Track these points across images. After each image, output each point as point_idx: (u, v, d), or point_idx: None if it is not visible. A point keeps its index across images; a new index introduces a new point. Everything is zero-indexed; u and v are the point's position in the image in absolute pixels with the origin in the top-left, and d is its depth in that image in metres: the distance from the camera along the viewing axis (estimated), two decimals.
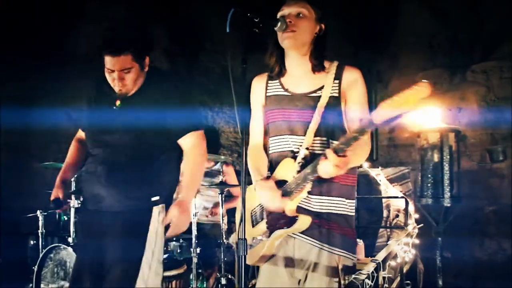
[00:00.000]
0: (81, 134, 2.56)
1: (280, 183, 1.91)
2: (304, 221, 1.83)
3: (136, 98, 2.30)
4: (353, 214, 1.96)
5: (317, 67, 1.94)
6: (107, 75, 2.25)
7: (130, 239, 2.17)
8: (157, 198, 2.25)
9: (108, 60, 2.20)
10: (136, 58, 2.22)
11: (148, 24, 5.49)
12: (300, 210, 1.87)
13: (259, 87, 2.07)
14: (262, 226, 1.96)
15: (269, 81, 2.05)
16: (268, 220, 1.94)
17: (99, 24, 5.74)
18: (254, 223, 2.01)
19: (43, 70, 5.63)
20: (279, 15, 1.92)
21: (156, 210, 2.25)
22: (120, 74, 2.21)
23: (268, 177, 1.98)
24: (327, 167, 1.70)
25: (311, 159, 1.84)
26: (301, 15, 1.91)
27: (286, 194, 1.86)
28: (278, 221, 1.89)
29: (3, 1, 5.36)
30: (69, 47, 5.90)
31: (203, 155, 2.36)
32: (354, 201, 1.97)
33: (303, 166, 1.84)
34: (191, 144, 2.32)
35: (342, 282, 1.88)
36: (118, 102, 2.31)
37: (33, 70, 5.61)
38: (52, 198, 2.46)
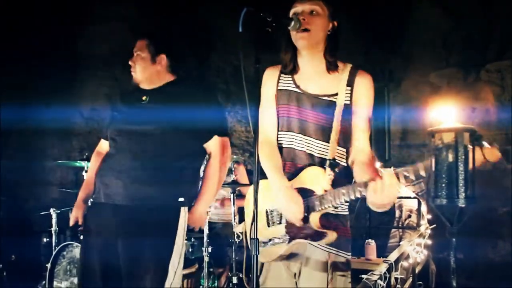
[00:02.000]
0: (101, 146, 2.57)
1: (305, 191, 1.88)
2: (332, 238, 1.83)
3: (161, 95, 2.35)
4: (347, 213, 1.96)
5: (332, 66, 1.93)
6: None
7: (157, 238, 2.16)
8: (182, 199, 2.27)
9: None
10: (149, 46, 2.36)
11: (159, 23, 5.52)
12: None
13: (271, 79, 2.04)
14: (281, 229, 1.94)
15: (282, 75, 2.02)
16: (288, 225, 1.93)
17: (111, 23, 5.79)
18: (270, 224, 1.99)
19: (55, 70, 5.68)
20: (291, 12, 1.91)
21: (183, 212, 2.26)
22: (135, 57, 2.37)
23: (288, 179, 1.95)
24: (382, 190, 1.66)
25: (339, 170, 1.85)
26: (314, 12, 1.88)
27: (310, 209, 1.85)
28: (300, 230, 1.88)
29: (19, 3, 5.43)
30: (81, 47, 5.95)
31: (223, 162, 2.40)
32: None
33: (334, 181, 1.83)
34: (215, 149, 2.37)
35: (330, 277, 1.88)
36: (144, 97, 2.36)
37: (45, 71, 5.66)
38: (72, 221, 2.46)
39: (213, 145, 2.37)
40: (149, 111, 2.31)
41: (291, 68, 1.99)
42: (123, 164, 2.26)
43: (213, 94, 2.54)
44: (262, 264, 2.06)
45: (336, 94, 1.91)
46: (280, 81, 2.02)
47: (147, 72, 2.37)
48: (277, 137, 2.02)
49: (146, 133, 2.26)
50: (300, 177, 1.92)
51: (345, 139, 1.92)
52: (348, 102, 1.91)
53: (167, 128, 2.25)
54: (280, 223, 1.96)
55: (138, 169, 2.23)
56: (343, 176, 1.82)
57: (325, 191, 1.83)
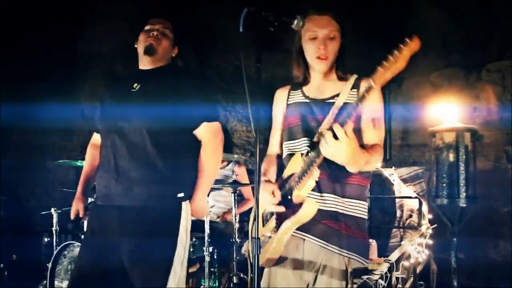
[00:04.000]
0: (95, 139, 2.56)
1: (289, 177, 1.92)
2: (310, 206, 1.79)
3: (153, 79, 2.32)
4: (365, 216, 1.94)
5: (341, 78, 1.99)
6: (142, 35, 2.39)
7: (160, 237, 2.13)
8: (182, 194, 2.24)
9: (151, 22, 2.41)
10: (172, 29, 2.40)
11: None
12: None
13: (281, 98, 2.11)
14: (272, 223, 1.95)
15: (291, 91, 2.09)
16: (277, 215, 1.93)
17: (111, 23, 5.79)
18: (264, 223, 2.01)
19: (56, 69, 5.68)
20: (307, 36, 1.94)
21: (184, 206, 2.24)
22: (161, 29, 2.37)
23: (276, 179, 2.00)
24: (330, 144, 1.66)
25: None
26: (332, 37, 1.93)
27: (292, 189, 1.86)
28: (286, 213, 1.87)
29: (19, 3, 5.44)
30: (82, 46, 5.95)
31: (216, 147, 2.35)
32: (366, 202, 1.95)
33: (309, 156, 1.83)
34: (205, 135, 2.32)
35: (349, 286, 1.85)
36: (135, 85, 2.32)
37: (46, 69, 5.67)
38: (73, 213, 2.44)
39: (203, 131, 2.32)
40: (139, 101, 2.26)
41: (302, 80, 2.05)
42: (118, 164, 2.23)
43: (202, 80, 2.52)
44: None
45: (339, 94, 1.93)
46: (290, 97, 2.09)
47: (166, 53, 2.39)
48: (283, 146, 2.09)
49: (137, 128, 2.22)
50: (287, 168, 1.97)
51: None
52: (350, 101, 1.90)
53: (158, 119, 2.21)
54: (272, 216, 1.97)
55: (134, 168, 2.20)
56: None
57: (301, 167, 1.84)
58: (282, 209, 1.86)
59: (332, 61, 1.96)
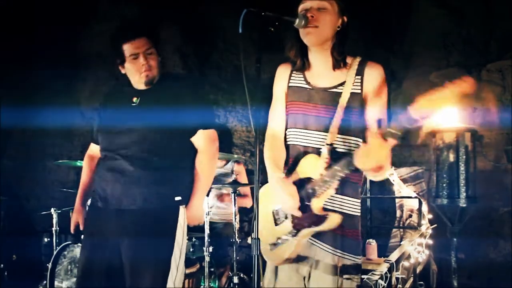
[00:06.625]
0: (92, 149, 2.56)
1: (304, 181, 1.89)
2: (334, 220, 1.82)
3: (152, 94, 2.32)
4: (358, 213, 1.93)
5: (339, 63, 1.91)
6: (131, 66, 2.27)
7: (158, 238, 2.15)
8: (179, 198, 2.26)
9: (128, 47, 2.24)
10: (151, 41, 2.27)
11: (161, 22, 5.52)
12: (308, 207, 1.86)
13: (283, 75, 2.05)
14: (287, 225, 1.93)
15: (293, 71, 2.02)
16: (293, 218, 1.91)
17: (112, 23, 5.78)
18: (277, 222, 1.99)
19: (56, 70, 5.68)
20: (300, 8, 1.89)
21: (182, 209, 2.25)
22: (145, 56, 2.24)
23: (288, 172, 1.95)
24: (367, 153, 1.62)
25: (336, 155, 1.81)
26: (323, 9, 1.86)
27: (310, 196, 1.85)
28: (304, 219, 1.87)
29: (20, 2, 5.44)
30: (82, 47, 5.95)
31: (212, 155, 2.37)
32: (359, 200, 1.94)
33: (329, 163, 1.81)
34: (202, 143, 2.34)
35: (340, 280, 1.86)
36: (135, 99, 2.32)
37: (46, 70, 5.66)
38: (72, 225, 2.45)
39: (199, 139, 2.34)
40: (139, 112, 2.28)
41: (300, 64, 1.98)
42: (117, 168, 2.24)
43: (200, 87, 2.51)
44: (266, 265, 2.05)
45: (344, 83, 1.89)
46: (291, 77, 2.03)
47: (159, 70, 2.32)
48: (285, 133, 2.04)
49: (136, 136, 2.24)
50: (298, 168, 1.93)
51: (349, 128, 1.88)
52: (357, 91, 1.88)
53: (157, 128, 2.23)
54: (286, 218, 1.95)
55: (132, 172, 2.22)
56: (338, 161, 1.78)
57: (321, 175, 1.82)
58: (300, 214, 1.86)
59: (325, 35, 1.87)
